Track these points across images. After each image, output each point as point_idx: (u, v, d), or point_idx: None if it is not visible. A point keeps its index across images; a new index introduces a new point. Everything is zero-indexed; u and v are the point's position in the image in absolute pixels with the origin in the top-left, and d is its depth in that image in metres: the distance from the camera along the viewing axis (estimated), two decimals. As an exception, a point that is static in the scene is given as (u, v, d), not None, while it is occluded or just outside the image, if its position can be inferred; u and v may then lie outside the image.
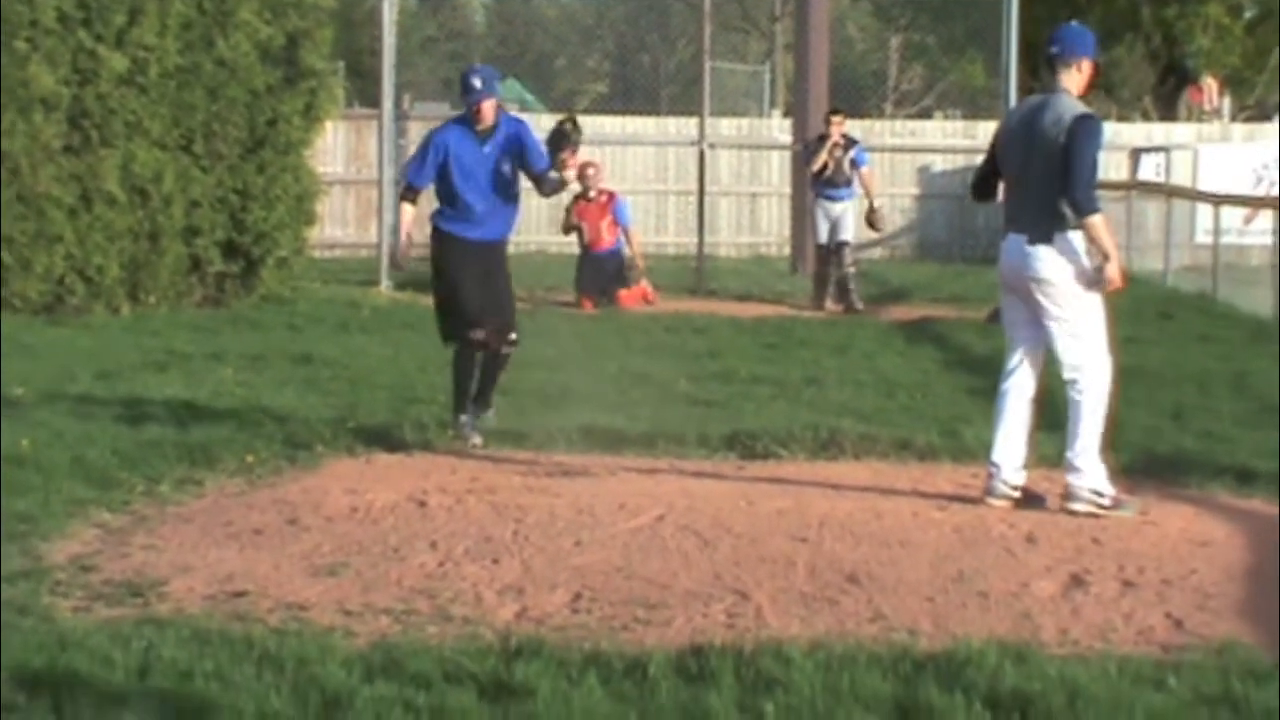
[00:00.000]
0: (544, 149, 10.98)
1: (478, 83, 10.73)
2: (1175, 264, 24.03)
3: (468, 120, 10.88)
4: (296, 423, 11.07)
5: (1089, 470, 8.98)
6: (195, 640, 6.33)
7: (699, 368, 14.46)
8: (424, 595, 7.18)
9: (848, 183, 20.61)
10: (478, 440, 10.67)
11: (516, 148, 10.82)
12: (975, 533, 8.50)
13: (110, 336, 15.86)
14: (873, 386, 13.48)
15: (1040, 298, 8.93)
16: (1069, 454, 9.03)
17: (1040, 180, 8.83)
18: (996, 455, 9.14)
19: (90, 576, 7.40)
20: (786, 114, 30.86)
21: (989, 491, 9.11)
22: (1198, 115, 34.18)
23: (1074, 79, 9.00)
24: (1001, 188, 9.31)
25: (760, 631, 6.70)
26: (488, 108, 10.76)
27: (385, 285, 21.16)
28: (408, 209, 11.17)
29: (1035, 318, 9.04)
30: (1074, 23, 9.77)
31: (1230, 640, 6.64)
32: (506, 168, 10.80)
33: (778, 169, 29.19)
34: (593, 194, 20.79)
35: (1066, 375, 9.02)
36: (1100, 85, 40.37)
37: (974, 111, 33.45)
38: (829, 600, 7.21)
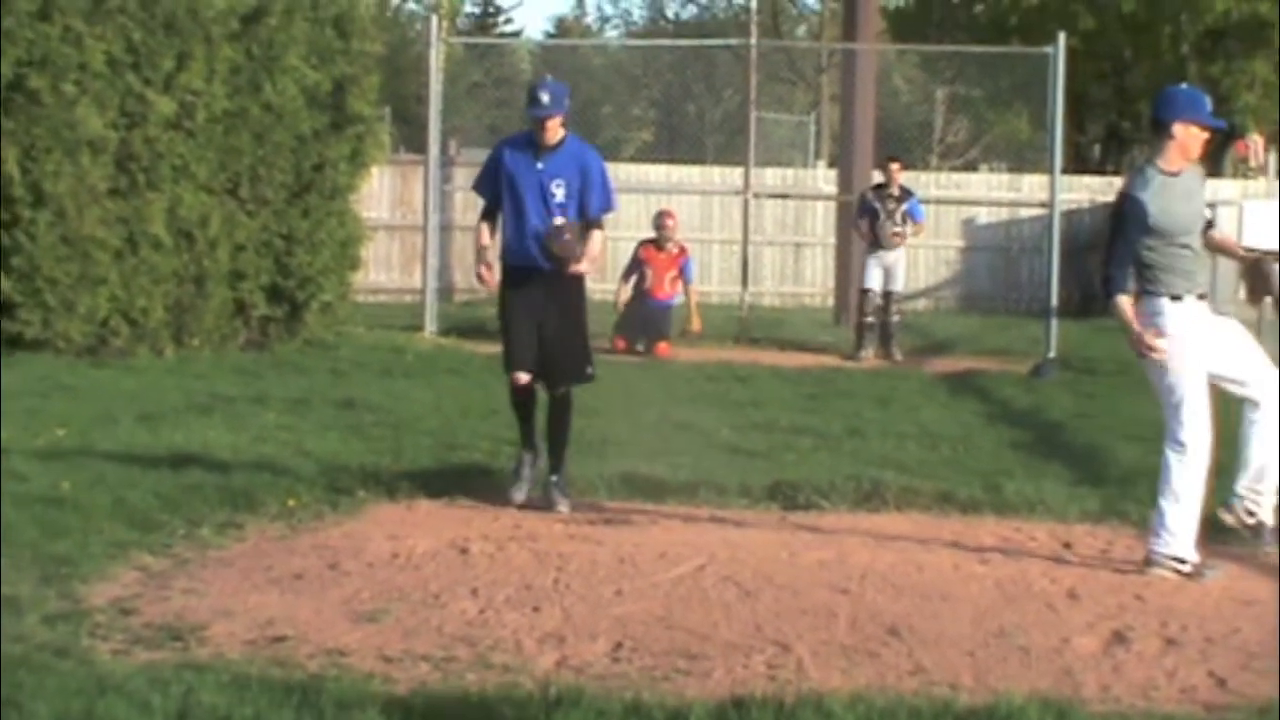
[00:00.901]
0: (613, 193, 10.64)
1: (545, 97, 10.18)
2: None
3: (530, 134, 10.41)
4: (339, 468, 11.07)
5: (1171, 537, 8.86)
6: (234, 685, 6.32)
7: (741, 417, 14.44)
8: (464, 642, 7.17)
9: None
10: (520, 497, 10.33)
11: (579, 177, 10.30)
12: (1017, 587, 8.47)
13: (153, 379, 15.90)
14: (915, 439, 13.44)
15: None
16: (1154, 518, 8.97)
17: None
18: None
19: (130, 619, 7.40)
20: (831, 165, 30.92)
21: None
22: (1243, 171, 34.09)
23: (1162, 145, 8.94)
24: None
25: (801, 684, 6.67)
26: (552, 125, 10.22)
27: (430, 330, 21.23)
28: (484, 229, 10.58)
29: None
30: (1180, 86, 9.67)
31: (1274, 701, 6.58)
32: (561, 192, 10.23)
33: (822, 219, 29.22)
34: (669, 245, 20.97)
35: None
36: (1146, 141, 40.40)
37: (1019, 164, 33.49)
38: (870, 653, 7.18)
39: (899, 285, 20.74)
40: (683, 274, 21.13)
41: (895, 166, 20.84)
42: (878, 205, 20.55)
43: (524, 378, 10.31)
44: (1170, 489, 8.87)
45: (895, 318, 20.69)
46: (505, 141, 10.69)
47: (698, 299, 21.92)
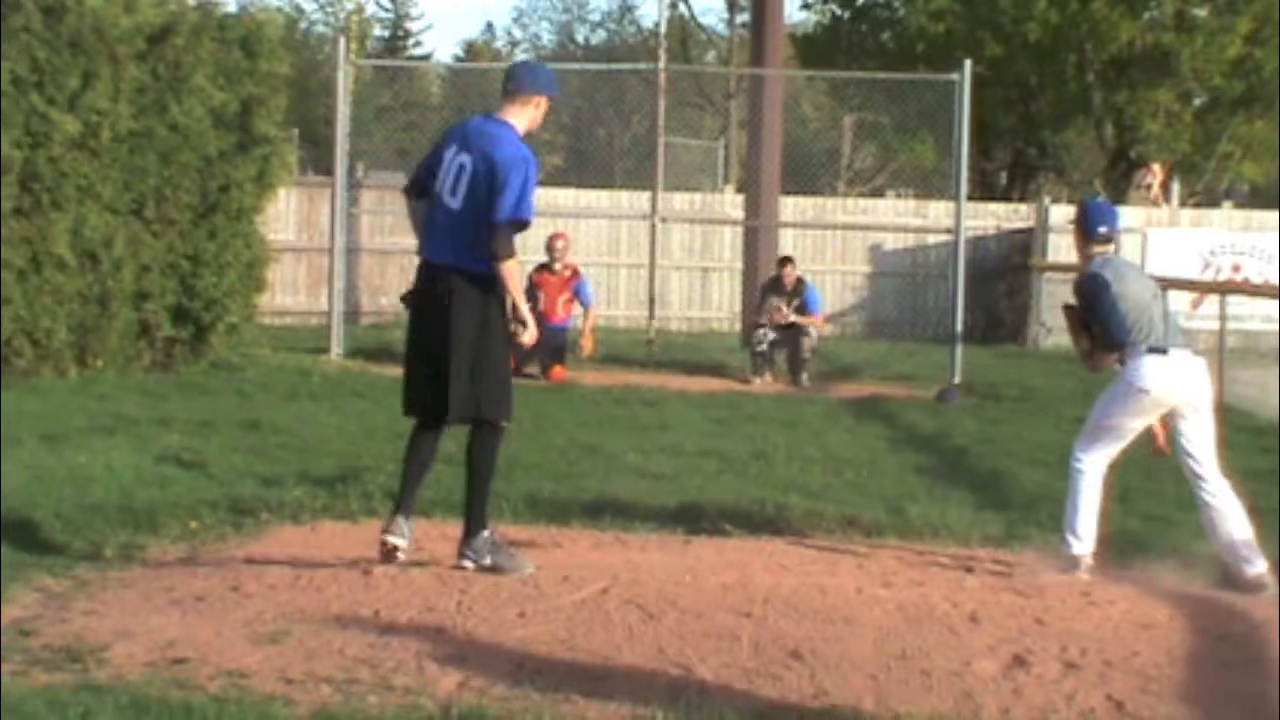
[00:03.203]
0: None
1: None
2: (1123, 346, 24.10)
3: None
4: (242, 489, 11.02)
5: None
6: (133, 707, 6.28)
7: (647, 440, 14.45)
8: (366, 664, 7.14)
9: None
10: (400, 543, 8.81)
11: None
12: (919, 611, 8.50)
13: (57, 399, 15.77)
14: (820, 463, 13.49)
15: None
16: None
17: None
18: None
19: (29, 641, 7.33)
20: (739, 190, 30.99)
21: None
22: (1146, 198, 34.43)
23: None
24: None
25: (703, 706, 6.68)
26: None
27: (336, 353, 21.16)
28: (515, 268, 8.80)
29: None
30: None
31: (1171, 722, 6.65)
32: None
33: (730, 244, 29.30)
34: (558, 266, 20.86)
35: None
36: (1051, 168, 40.78)
37: (926, 191, 33.67)
38: (772, 676, 7.19)
39: (809, 329, 20.79)
40: (578, 296, 21.03)
41: (788, 270, 21.11)
42: (773, 296, 20.86)
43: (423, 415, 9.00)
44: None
45: (808, 354, 20.67)
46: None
47: (594, 323, 21.73)
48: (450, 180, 8.73)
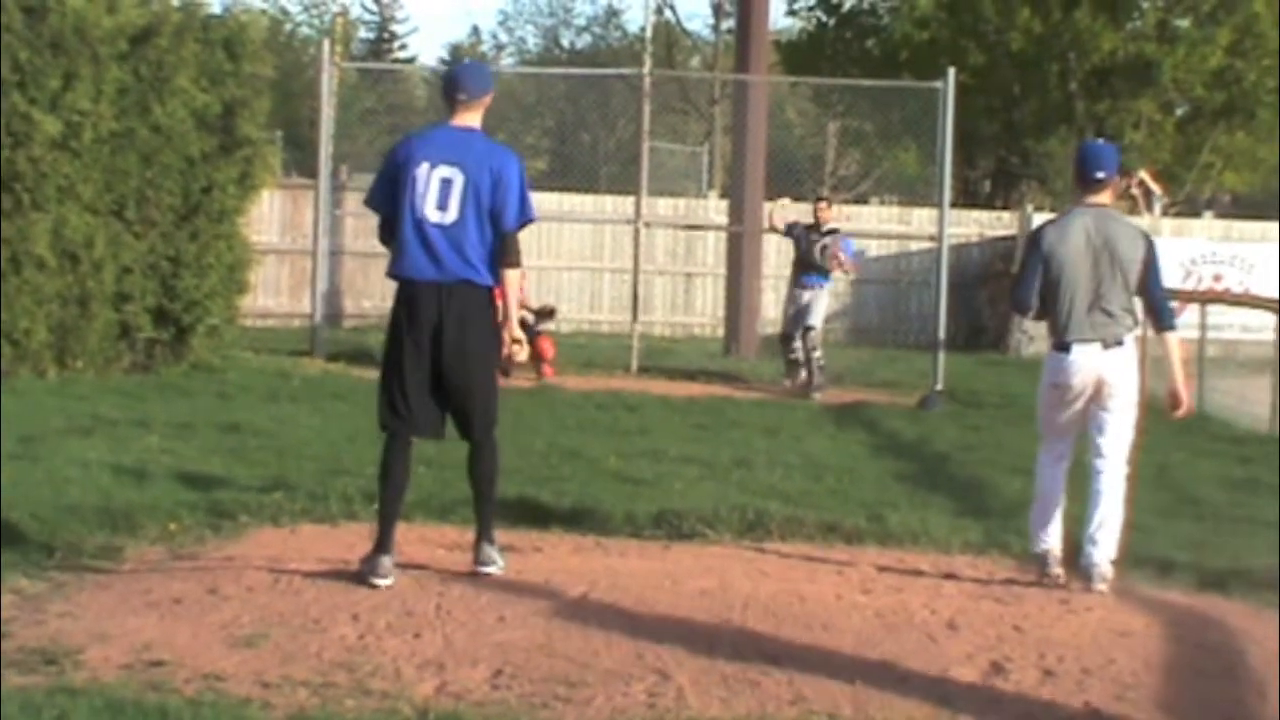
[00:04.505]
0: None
1: None
2: (1104, 354, 24.10)
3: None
4: (221, 491, 10.99)
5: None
6: (108, 710, 6.25)
7: (629, 445, 14.44)
8: (343, 668, 7.12)
9: (821, 270, 20.50)
10: (390, 584, 8.67)
11: None
12: (897, 617, 8.51)
13: (35, 400, 15.73)
14: (801, 469, 13.48)
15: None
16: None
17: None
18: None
19: (3, 644, 7.29)
20: (723, 195, 31.01)
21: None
22: (1137, 207, 34.48)
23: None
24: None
25: (681, 712, 6.68)
26: None
27: (317, 355, 21.13)
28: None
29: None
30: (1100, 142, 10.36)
31: (1148, 731, 6.64)
32: None
33: (714, 250, 29.31)
34: None
35: None
36: (1034, 176, 40.84)
37: (910, 198, 33.76)
38: (750, 682, 7.18)
39: (814, 320, 20.53)
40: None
41: (822, 205, 20.90)
42: (802, 235, 20.56)
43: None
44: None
45: (815, 353, 20.49)
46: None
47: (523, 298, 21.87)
48: (436, 195, 8.60)
